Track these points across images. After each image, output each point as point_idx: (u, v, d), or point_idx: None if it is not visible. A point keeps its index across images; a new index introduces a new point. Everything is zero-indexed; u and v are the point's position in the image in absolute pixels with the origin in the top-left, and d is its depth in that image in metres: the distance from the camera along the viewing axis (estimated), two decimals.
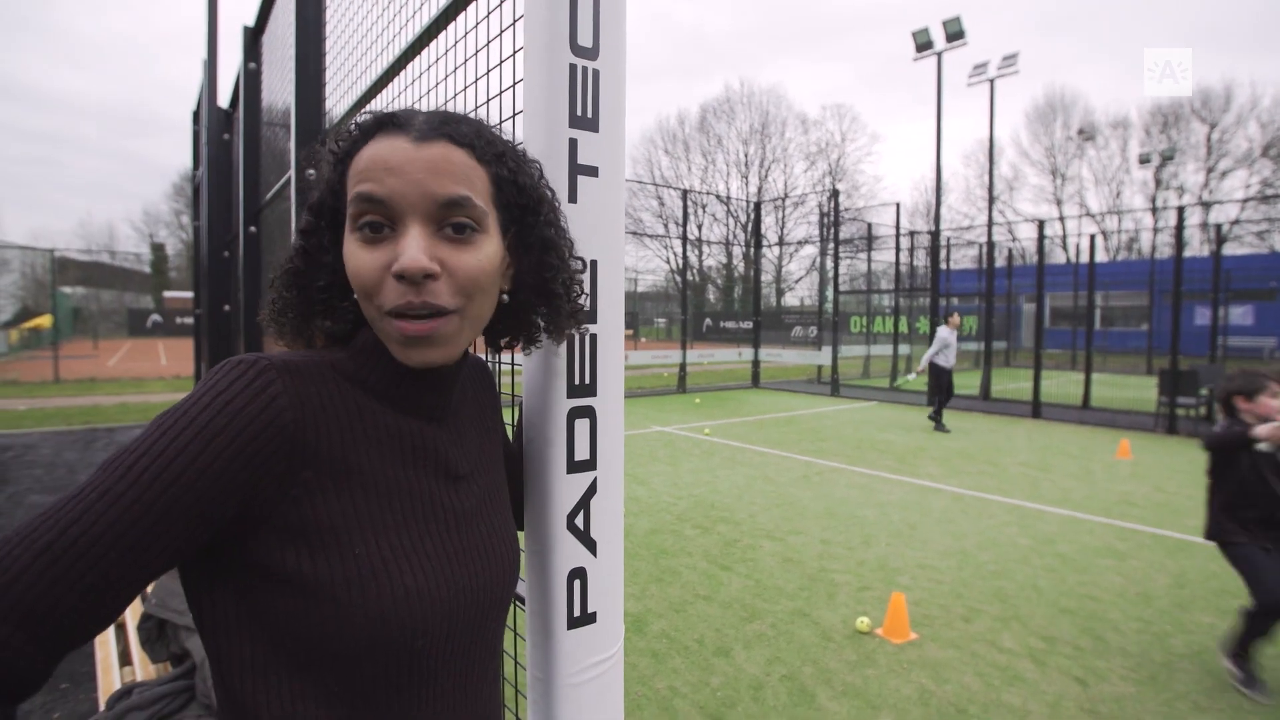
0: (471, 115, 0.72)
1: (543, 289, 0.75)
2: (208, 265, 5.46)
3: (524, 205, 0.72)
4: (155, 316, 31.28)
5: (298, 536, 0.60)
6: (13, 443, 8.36)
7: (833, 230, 16.18)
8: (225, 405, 0.57)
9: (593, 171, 0.86)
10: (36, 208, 70.67)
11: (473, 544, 0.71)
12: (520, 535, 0.95)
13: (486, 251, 0.67)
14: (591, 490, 0.89)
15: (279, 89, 3.40)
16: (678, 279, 24.32)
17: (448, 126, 0.66)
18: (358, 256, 0.64)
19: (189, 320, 19.37)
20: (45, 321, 23.88)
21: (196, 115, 7.34)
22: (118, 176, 74.03)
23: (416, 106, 1.45)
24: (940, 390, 10.23)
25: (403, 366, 0.68)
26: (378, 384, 0.69)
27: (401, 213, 0.63)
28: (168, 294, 39.23)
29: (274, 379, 0.60)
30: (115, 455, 0.56)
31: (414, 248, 0.62)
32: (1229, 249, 28.57)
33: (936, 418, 10.25)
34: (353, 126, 0.69)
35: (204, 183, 5.89)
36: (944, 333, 10.12)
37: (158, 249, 44.57)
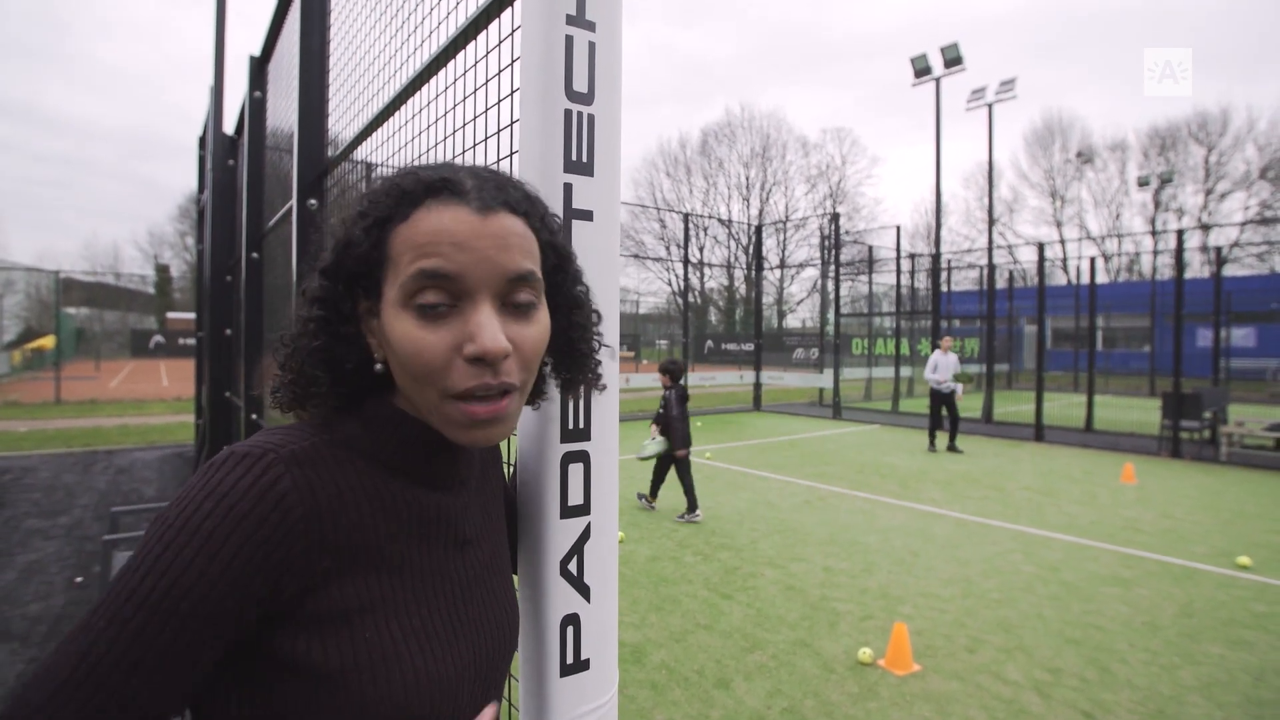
0: (498, 169, 0.70)
1: (571, 349, 0.74)
2: (210, 289, 5.49)
3: (557, 265, 0.71)
4: (158, 338, 31.41)
5: (311, 625, 0.58)
6: (11, 465, 8.34)
7: (834, 253, 16.25)
8: (230, 510, 0.54)
9: (587, 216, 0.86)
10: (45, 228, 71.34)
11: (475, 614, 0.70)
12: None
13: (544, 322, 0.66)
14: (585, 535, 0.88)
15: (283, 117, 3.44)
16: (679, 301, 24.41)
17: (503, 194, 0.64)
18: (417, 337, 0.59)
19: (191, 342, 19.43)
20: (48, 342, 23.94)
21: (203, 141, 7.43)
22: (128, 199, 74.84)
23: (414, 142, 1.46)
24: (932, 412, 10.48)
25: (422, 440, 0.66)
26: (393, 457, 0.66)
27: (471, 290, 0.60)
28: (171, 315, 39.42)
29: (281, 474, 0.57)
30: (120, 574, 0.53)
31: (492, 327, 0.59)
32: (1229, 271, 28.63)
33: (931, 440, 10.53)
34: (391, 189, 0.63)
35: (208, 207, 5.94)
36: (934, 355, 10.35)
37: (162, 270, 44.84)
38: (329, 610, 0.58)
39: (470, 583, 0.70)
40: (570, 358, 0.74)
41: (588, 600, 0.88)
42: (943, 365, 10.15)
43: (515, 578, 0.93)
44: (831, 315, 16.14)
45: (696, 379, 15.91)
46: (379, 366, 0.65)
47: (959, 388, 10.21)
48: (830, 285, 16.59)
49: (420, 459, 0.67)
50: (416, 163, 1.20)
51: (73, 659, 0.51)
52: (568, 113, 0.85)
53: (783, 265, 32.99)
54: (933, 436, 10.48)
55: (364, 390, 0.68)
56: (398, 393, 0.67)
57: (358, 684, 0.58)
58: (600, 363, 0.78)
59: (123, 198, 75.60)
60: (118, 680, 0.50)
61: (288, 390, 0.66)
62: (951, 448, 10.30)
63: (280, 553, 0.56)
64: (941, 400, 10.24)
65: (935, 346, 10.57)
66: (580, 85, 0.86)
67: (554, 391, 0.84)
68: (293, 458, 0.58)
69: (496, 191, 0.63)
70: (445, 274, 0.59)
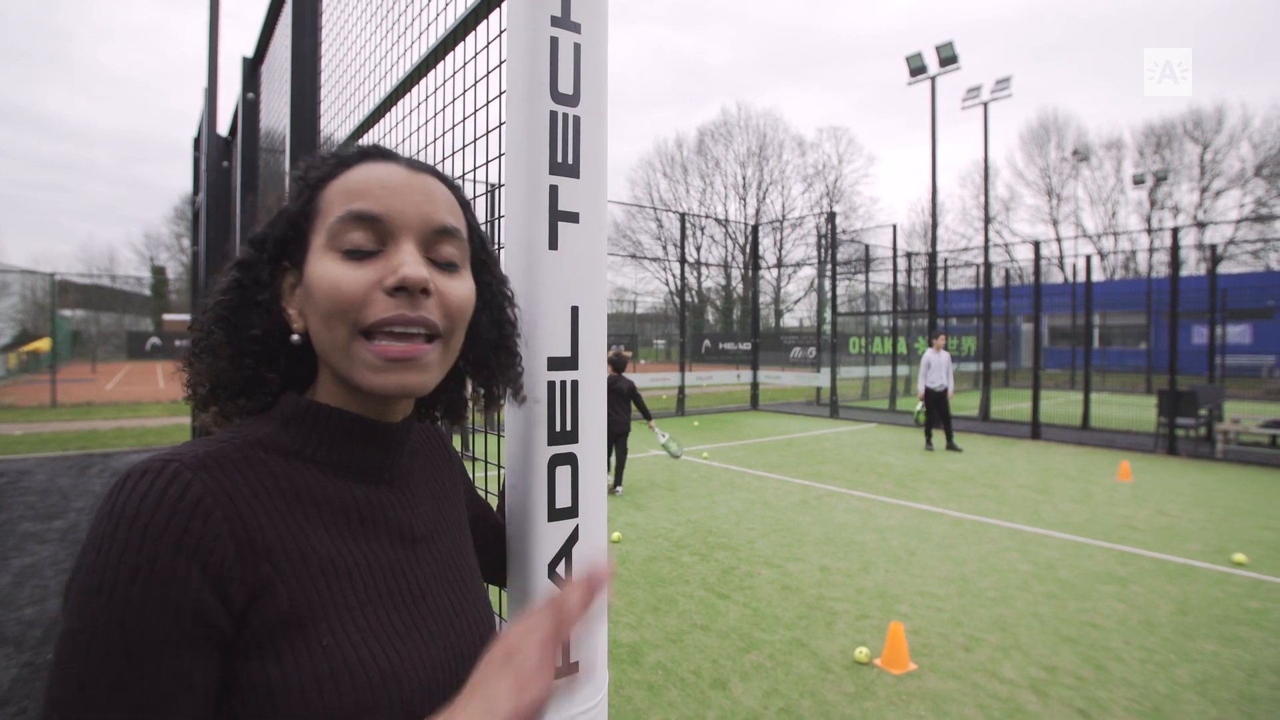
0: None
1: (495, 351, 0.74)
2: (206, 290, 5.48)
3: (483, 260, 0.73)
4: (154, 339, 31.30)
5: (264, 639, 0.54)
6: (7, 469, 8.31)
7: (830, 252, 16.26)
8: (145, 530, 0.50)
9: (573, 218, 0.86)
10: (42, 231, 71.57)
11: (441, 613, 0.67)
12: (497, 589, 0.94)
13: (469, 285, 0.67)
14: (573, 538, 0.87)
15: (277, 118, 3.43)
16: (676, 300, 24.41)
17: (432, 168, 0.67)
18: (338, 274, 0.59)
19: (187, 343, 19.33)
20: (44, 345, 23.89)
21: (197, 142, 7.41)
22: (125, 202, 75.12)
23: (405, 143, 1.46)
24: (927, 412, 10.43)
25: (345, 428, 0.64)
26: (316, 451, 0.63)
27: (396, 231, 0.61)
28: (167, 317, 39.30)
29: (189, 480, 0.53)
30: (66, 642, 0.49)
31: (414, 259, 0.60)
32: (1224, 268, 28.71)
33: (928, 439, 10.52)
34: (328, 155, 0.66)
35: (203, 209, 5.93)
36: (926, 355, 10.28)
37: (158, 272, 44.72)
38: (278, 622, 0.55)
39: (428, 581, 0.67)
40: (495, 360, 0.74)
41: None
42: (936, 364, 10.12)
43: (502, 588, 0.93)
44: (828, 314, 16.16)
45: (694, 378, 15.91)
46: (296, 338, 0.65)
47: (950, 388, 10.20)
48: (827, 284, 16.61)
49: (345, 449, 0.64)
50: None
51: None
52: (553, 114, 0.85)
53: (779, 264, 33.02)
54: (929, 435, 10.49)
55: (272, 388, 0.66)
56: (315, 388, 0.67)
57: (319, 694, 0.54)
58: (523, 371, 0.78)
59: (119, 200, 75.77)
60: None
61: (196, 370, 0.65)
62: (951, 446, 10.32)
63: (215, 559, 0.52)
64: (936, 399, 10.23)
65: (930, 344, 10.46)
66: (565, 87, 0.85)
67: (540, 392, 0.84)
68: (198, 463, 0.55)
69: (424, 164, 0.67)
70: (373, 214, 0.60)
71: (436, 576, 0.69)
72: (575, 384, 0.87)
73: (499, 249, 0.89)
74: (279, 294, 0.66)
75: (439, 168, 0.71)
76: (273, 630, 0.54)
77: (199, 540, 0.51)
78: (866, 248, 18.01)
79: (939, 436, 10.67)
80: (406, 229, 0.61)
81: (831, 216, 16.30)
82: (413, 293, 0.59)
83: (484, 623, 0.73)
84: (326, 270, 0.60)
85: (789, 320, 36.80)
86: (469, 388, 0.78)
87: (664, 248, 35.19)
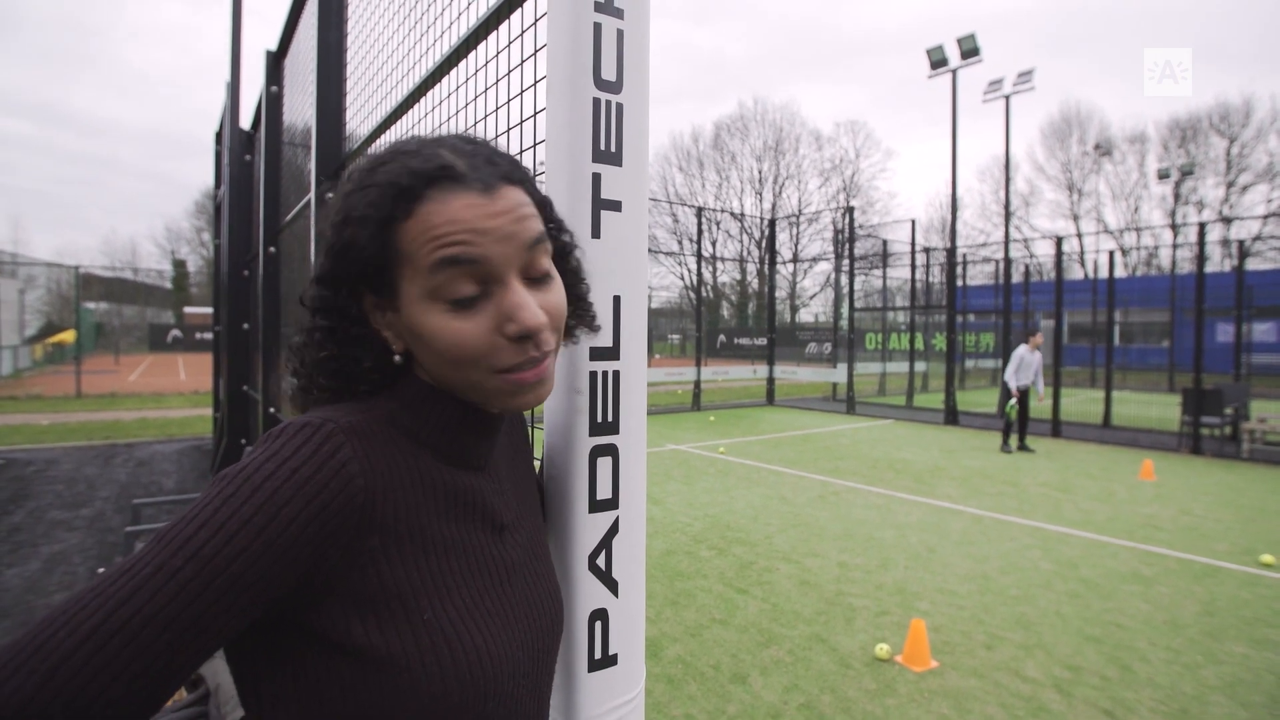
0: (486, 141, 0.68)
1: (572, 296, 0.74)
2: (228, 283, 5.53)
3: (545, 217, 0.71)
4: (175, 332, 31.70)
5: (364, 606, 0.57)
6: (35, 458, 8.46)
7: (847, 247, 16.14)
8: (293, 474, 0.54)
9: (616, 206, 0.85)
10: (66, 226, 72.89)
11: (522, 596, 0.70)
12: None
13: (560, 282, 0.68)
14: (613, 530, 0.87)
15: (300, 112, 3.44)
16: (692, 295, 24.36)
17: (496, 168, 0.62)
18: (456, 328, 0.60)
19: (208, 336, 19.63)
20: (68, 337, 24.29)
21: (219, 136, 7.48)
22: (148, 196, 76.33)
23: (439, 133, 1.46)
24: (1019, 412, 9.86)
25: (459, 416, 0.67)
26: (430, 437, 0.66)
27: (498, 271, 0.60)
28: (188, 310, 39.78)
29: (343, 443, 0.57)
30: (172, 526, 0.52)
31: (530, 304, 0.61)
32: (1251, 264, 28.15)
33: (1005, 439, 9.97)
34: (386, 185, 0.59)
35: (225, 202, 5.98)
36: (1019, 351, 9.71)
37: (179, 265, 45.30)
38: (383, 592, 0.58)
39: (512, 566, 0.70)
40: (575, 303, 0.75)
41: (616, 595, 0.88)
42: (1029, 363, 9.59)
43: None
44: (845, 310, 16.04)
45: (709, 373, 15.87)
46: (398, 358, 0.66)
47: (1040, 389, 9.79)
48: (844, 279, 16.49)
49: (456, 438, 0.67)
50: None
51: (110, 604, 0.48)
52: (596, 101, 0.83)
53: (796, 259, 32.82)
54: (1007, 436, 9.93)
55: (388, 376, 0.68)
56: (425, 369, 0.67)
57: (420, 665, 0.58)
58: (591, 306, 0.78)
59: (141, 195, 77.00)
60: (150, 635, 0.48)
61: (300, 395, 0.68)
62: (1023, 447, 9.90)
63: (335, 522, 0.55)
64: (1024, 398, 9.70)
65: (1025, 341, 9.81)
66: (609, 74, 0.84)
67: (582, 383, 0.84)
68: (351, 429, 0.58)
69: (489, 167, 0.62)
70: (470, 259, 0.59)
71: (519, 562, 0.72)
72: (617, 374, 0.86)
73: None
74: (368, 319, 0.66)
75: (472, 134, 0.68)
76: (376, 601, 0.58)
77: (332, 498, 0.55)
78: (884, 243, 17.85)
79: (1012, 436, 10.07)
80: (506, 266, 0.61)
81: (849, 211, 16.17)
82: (533, 335, 0.61)
83: (558, 607, 0.76)
84: (443, 325, 0.60)
85: (805, 315, 36.59)
86: None
87: (679, 242, 35.12)
